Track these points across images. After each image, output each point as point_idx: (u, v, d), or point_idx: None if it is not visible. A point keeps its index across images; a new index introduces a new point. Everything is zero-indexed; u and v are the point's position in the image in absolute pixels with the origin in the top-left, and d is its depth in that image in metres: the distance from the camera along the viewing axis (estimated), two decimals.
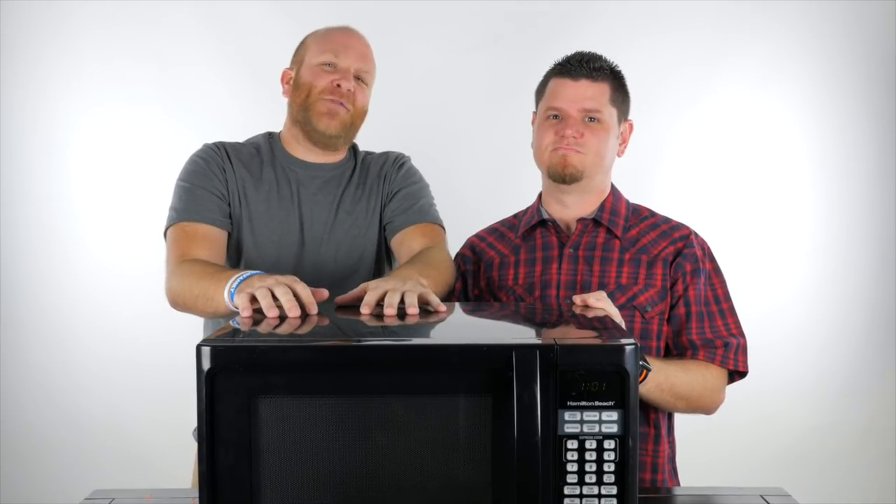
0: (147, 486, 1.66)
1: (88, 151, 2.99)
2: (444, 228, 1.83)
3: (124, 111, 2.96)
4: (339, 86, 1.76)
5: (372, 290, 1.32)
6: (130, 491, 1.50)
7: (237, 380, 1.05)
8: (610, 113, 1.70)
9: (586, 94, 1.69)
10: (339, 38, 1.80)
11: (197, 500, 1.07)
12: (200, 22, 2.96)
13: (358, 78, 1.79)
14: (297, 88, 1.79)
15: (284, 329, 1.22)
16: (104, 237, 3.00)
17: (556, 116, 1.70)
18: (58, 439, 3.00)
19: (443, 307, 1.34)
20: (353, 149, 1.91)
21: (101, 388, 2.99)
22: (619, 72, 1.75)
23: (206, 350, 1.05)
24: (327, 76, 1.76)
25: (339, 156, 1.86)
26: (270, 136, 1.87)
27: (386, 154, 1.91)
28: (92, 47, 2.94)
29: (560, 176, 1.69)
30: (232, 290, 1.43)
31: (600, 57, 1.73)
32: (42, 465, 2.98)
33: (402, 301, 1.29)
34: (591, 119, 1.69)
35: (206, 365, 1.04)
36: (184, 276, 1.61)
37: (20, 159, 2.97)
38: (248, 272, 1.44)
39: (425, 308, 1.32)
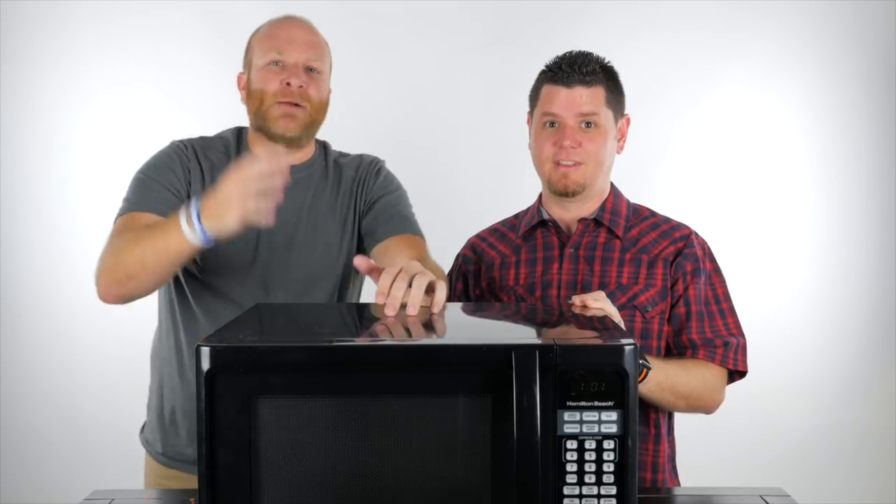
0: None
1: (88, 151, 2.99)
2: (424, 239, 1.78)
3: (124, 110, 2.96)
4: (288, 84, 1.69)
5: (386, 273, 1.28)
6: (130, 491, 1.50)
7: (237, 380, 1.05)
8: (607, 115, 1.69)
9: (582, 99, 1.67)
10: (281, 33, 1.73)
11: (197, 500, 1.07)
12: (200, 19, 2.96)
13: (310, 69, 1.72)
14: (251, 96, 1.74)
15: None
16: (104, 236, 2.99)
17: (552, 124, 1.69)
18: (58, 439, 3.00)
19: (437, 307, 1.30)
20: (324, 147, 1.86)
21: (101, 388, 2.98)
22: (610, 69, 1.73)
23: (205, 350, 1.04)
24: (276, 77, 1.70)
25: (306, 154, 1.80)
26: (240, 133, 1.82)
27: (360, 158, 1.85)
28: (91, 46, 2.94)
29: (562, 192, 1.70)
30: (194, 214, 1.38)
31: (591, 58, 1.70)
32: (42, 465, 2.98)
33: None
34: (588, 124, 1.67)
35: (206, 365, 1.04)
36: (115, 250, 1.53)
37: (20, 159, 2.97)
38: (194, 201, 1.41)
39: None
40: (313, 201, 1.77)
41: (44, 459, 2.99)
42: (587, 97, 1.67)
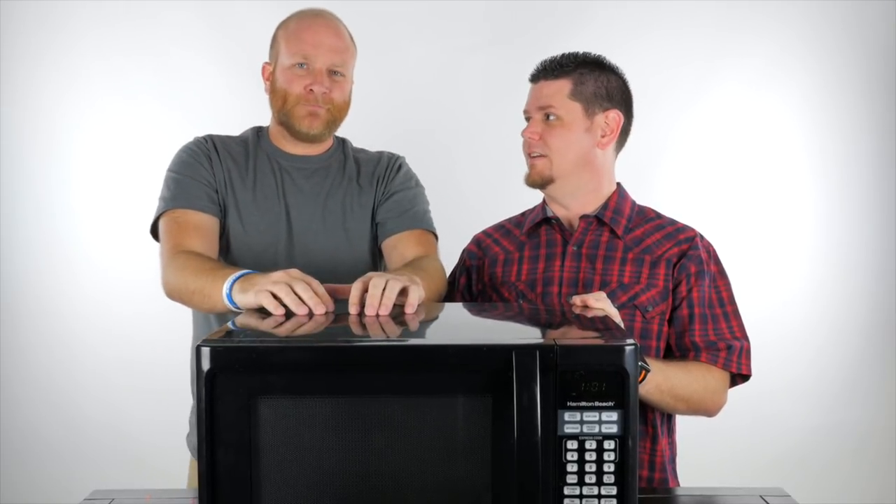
0: (146, 486, 1.66)
1: (89, 151, 2.99)
2: (436, 237, 1.84)
3: (124, 111, 2.96)
4: (312, 90, 1.74)
5: (357, 282, 1.33)
6: (130, 491, 1.50)
7: (237, 380, 1.05)
8: (570, 108, 1.69)
9: (542, 92, 1.71)
10: (309, 37, 1.76)
11: (196, 500, 1.07)
12: (202, 20, 2.96)
13: (334, 72, 1.76)
14: (275, 92, 1.79)
15: (309, 327, 1.23)
16: (104, 237, 3.00)
17: (527, 120, 1.75)
18: (57, 439, 3.00)
19: (411, 308, 1.33)
20: (342, 142, 1.90)
21: (101, 388, 2.99)
22: (593, 63, 1.72)
23: (206, 350, 1.05)
24: (300, 81, 1.75)
25: (324, 146, 1.85)
26: (259, 130, 1.88)
27: (380, 154, 1.90)
28: (92, 46, 2.94)
29: (531, 184, 1.74)
30: (229, 289, 1.43)
31: (569, 55, 1.72)
32: (42, 465, 2.99)
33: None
34: (548, 116, 1.70)
35: (206, 365, 1.04)
36: (179, 270, 1.61)
37: (20, 159, 2.97)
38: (244, 271, 1.46)
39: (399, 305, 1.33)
40: (332, 190, 1.82)
41: (44, 459, 2.99)
42: (548, 90, 1.71)
